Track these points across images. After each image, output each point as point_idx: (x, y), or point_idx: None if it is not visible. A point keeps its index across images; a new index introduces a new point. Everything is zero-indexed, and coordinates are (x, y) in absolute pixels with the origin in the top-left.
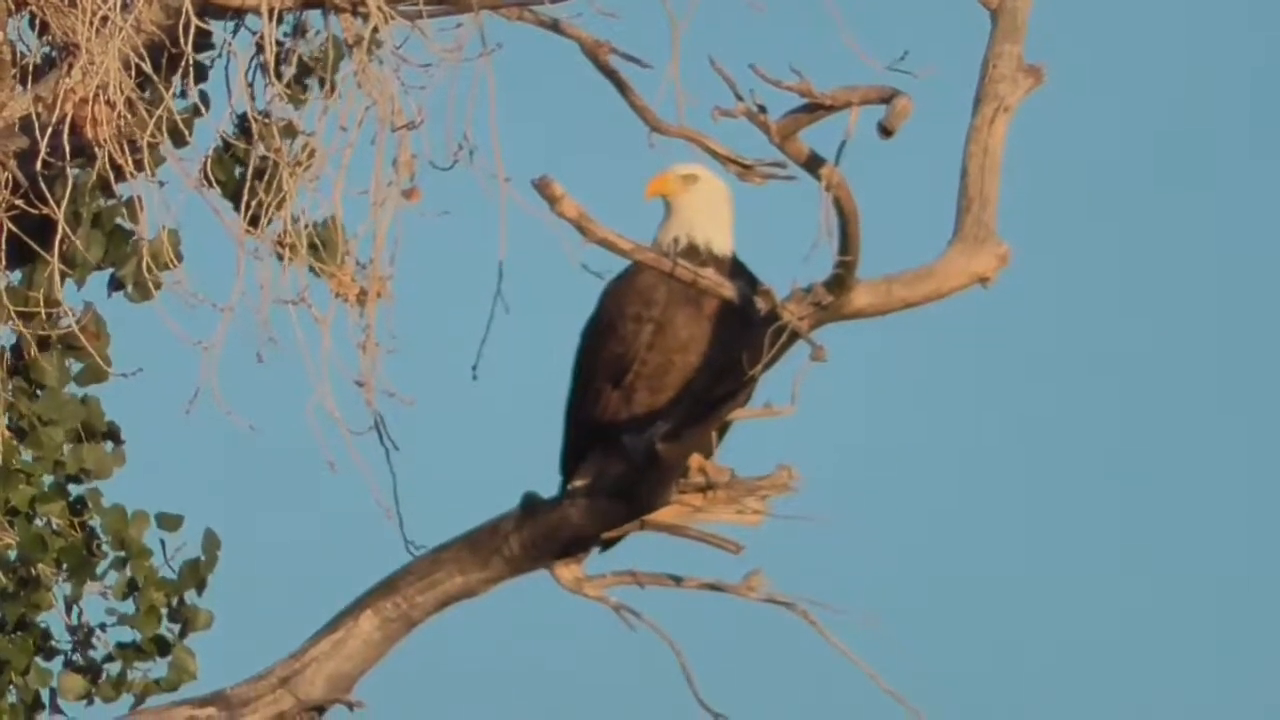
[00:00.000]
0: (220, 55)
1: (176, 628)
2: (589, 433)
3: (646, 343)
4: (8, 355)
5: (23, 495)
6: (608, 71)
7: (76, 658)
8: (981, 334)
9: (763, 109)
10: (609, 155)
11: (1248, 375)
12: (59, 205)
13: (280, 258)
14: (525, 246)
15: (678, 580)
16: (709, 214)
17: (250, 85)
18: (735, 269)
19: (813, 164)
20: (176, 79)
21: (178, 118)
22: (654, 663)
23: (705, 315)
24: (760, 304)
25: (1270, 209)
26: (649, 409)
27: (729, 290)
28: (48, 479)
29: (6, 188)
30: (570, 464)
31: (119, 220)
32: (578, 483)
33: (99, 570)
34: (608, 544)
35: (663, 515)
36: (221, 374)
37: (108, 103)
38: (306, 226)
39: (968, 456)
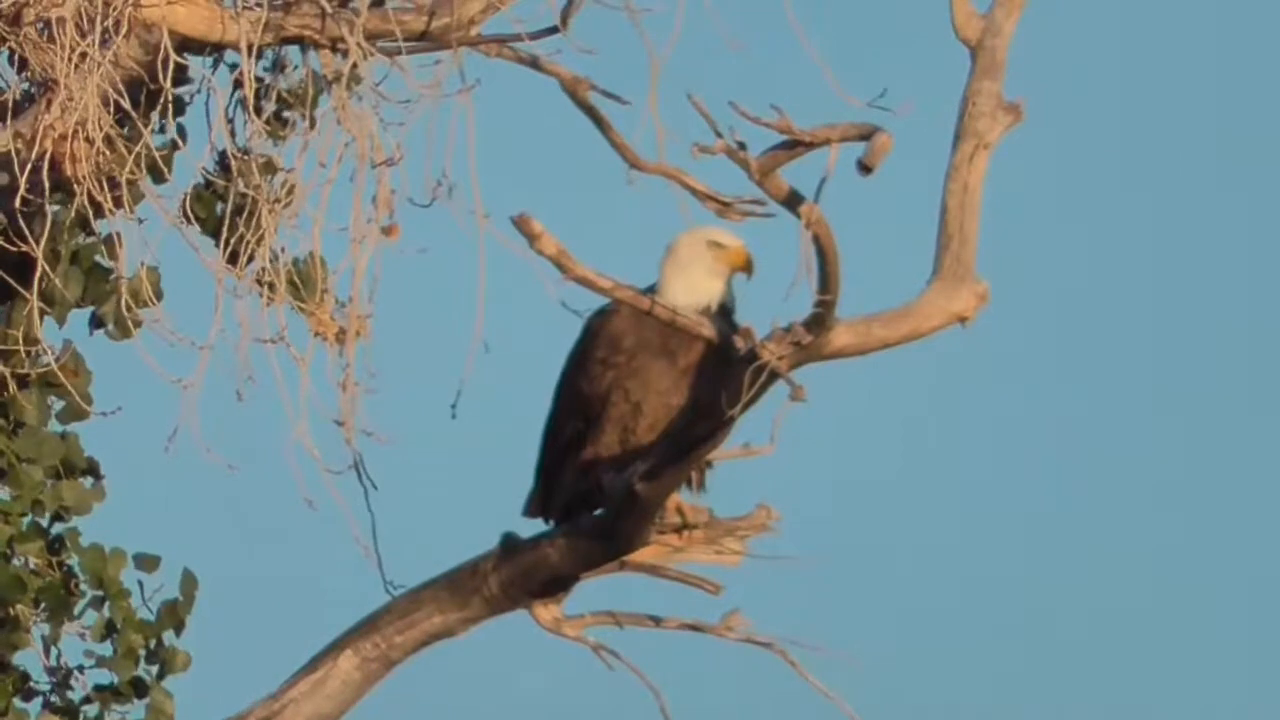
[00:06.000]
0: (199, 91)
1: (154, 669)
2: (558, 457)
3: (610, 385)
4: None
5: (1, 535)
6: (587, 108)
7: (55, 699)
8: (961, 372)
9: (742, 146)
10: (588, 192)
11: (1233, 409)
12: (38, 242)
13: (260, 295)
14: (504, 284)
15: (657, 621)
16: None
17: (230, 121)
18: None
19: (792, 201)
20: (155, 115)
21: (156, 154)
22: (633, 703)
23: (679, 369)
24: (739, 343)
25: (1246, 241)
26: (619, 449)
27: (708, 329)
28: (26, 519)
29: None
30: (542, 479)
31: (98, 258)
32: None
33: (77, 610)
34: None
35: (642, 555)
36: (201, 412)
37: (87, 139)
38: (286, 264)
39: (947, 496)
